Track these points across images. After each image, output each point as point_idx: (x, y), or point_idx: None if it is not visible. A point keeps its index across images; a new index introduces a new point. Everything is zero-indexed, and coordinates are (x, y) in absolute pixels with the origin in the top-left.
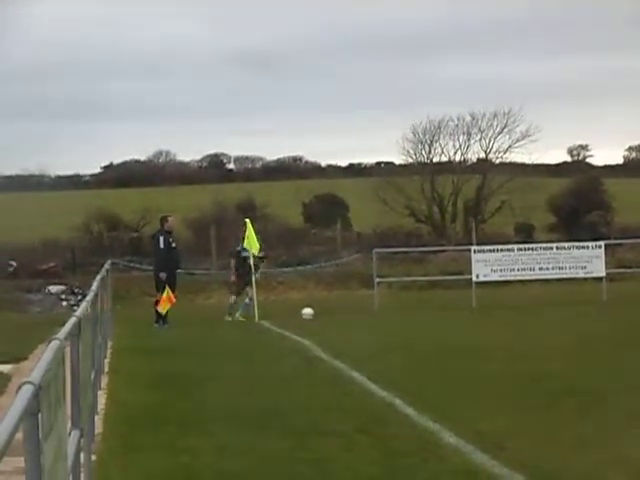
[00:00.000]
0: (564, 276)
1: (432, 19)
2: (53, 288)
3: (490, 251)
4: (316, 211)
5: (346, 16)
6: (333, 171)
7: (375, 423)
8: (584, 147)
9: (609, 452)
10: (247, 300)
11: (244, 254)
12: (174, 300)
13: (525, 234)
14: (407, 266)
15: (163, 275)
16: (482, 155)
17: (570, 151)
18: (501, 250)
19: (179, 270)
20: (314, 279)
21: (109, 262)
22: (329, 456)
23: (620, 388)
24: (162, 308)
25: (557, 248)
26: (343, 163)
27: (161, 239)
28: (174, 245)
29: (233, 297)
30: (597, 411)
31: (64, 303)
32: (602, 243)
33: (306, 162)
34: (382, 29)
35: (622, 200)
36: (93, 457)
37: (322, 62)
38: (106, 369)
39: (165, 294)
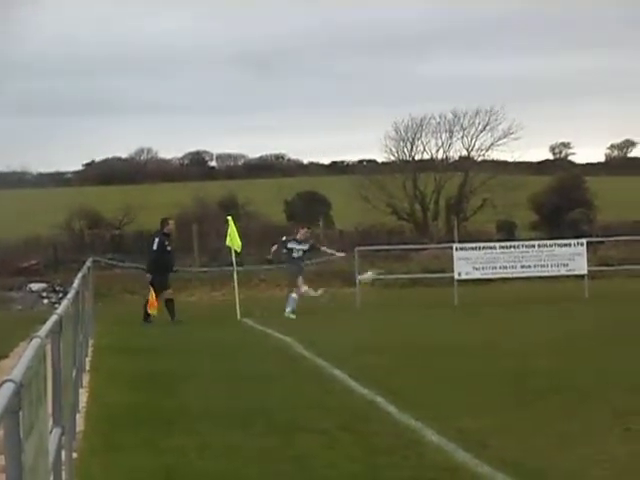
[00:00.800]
0: (546, 274)
1: (416, 18)
2: (34, 286)
3: (472, 249)
4: (298, 209)
5: (330, 16)
6: (315, 169)
7: (357, 421)
8: (566, 145)
9: (594, 450)
10: (293, 294)
11: (290, 245)
12: (156, 304)
13: (507, 232)
14: (389, 264)
15: (149, 277)
16: (464, 153)
17: (552, 149)
18: (483, 248)
19: (171, 272)
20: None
21: (91, 260)
22: (311, 454)
23: (604, 385)
24: (152, 311)
25: (539, 246)
26: (325, 161)
27: (156, 241)
28: (169, 248)
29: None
30: (582, 409)
31: (45, 301)
32: (584, 241)
33: (288, 160)
34: (364, 28)
35: (604, 198)
36: (74, 455)
37: (305, 61)
38: (87, 367)
39: (150, 297)
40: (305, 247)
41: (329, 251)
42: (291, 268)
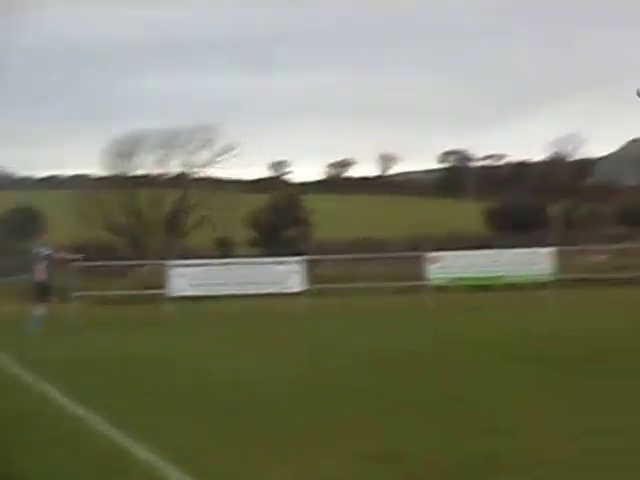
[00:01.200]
0: (263, 291)
1: (137, 32)
2: None
3: (187, 265)
4: (12, 225)
5: (49, 27)
6: (30, 183)
7: (69, 438)
8: (283, 163)
9: (303, 467)
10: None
11: (37, 250)
12: None
13: (225, 248)
14: (105, 280)
15: None
16: (183, 169)
17: (270, 167)
18: (198, 265)
19: None
20: (6, 293)
21: None
22: (23, 471)
23: (332, 400)
24: None
25: (256, 263)
26: (40, 174)
27: None
28: None
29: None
30: (294, 425)
31: None
32: (300, 259)
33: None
34: (84, 41)
35: (321, 216)
36: None
37: (24, 71)
38: None
39: None
40: (50, 251)
41: (68, 257)
42: (41, 282)
